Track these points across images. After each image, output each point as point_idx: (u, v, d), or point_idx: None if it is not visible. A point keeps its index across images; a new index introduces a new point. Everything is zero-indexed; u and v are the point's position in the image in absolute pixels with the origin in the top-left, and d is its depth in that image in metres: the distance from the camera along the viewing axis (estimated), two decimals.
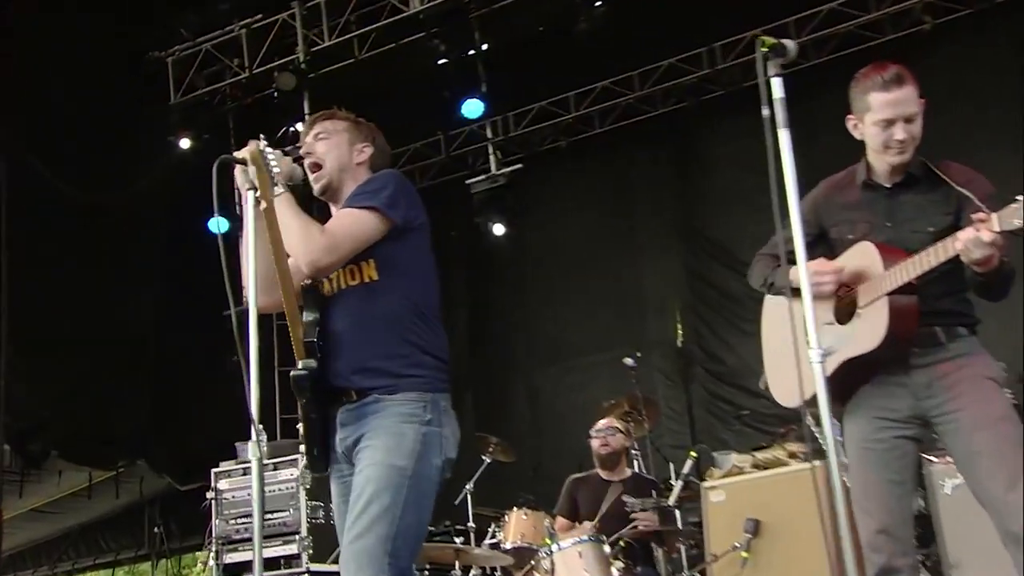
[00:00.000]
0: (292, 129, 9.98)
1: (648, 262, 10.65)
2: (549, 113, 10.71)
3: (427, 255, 3.36)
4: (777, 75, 3.03)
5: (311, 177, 3.44)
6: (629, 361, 7.98)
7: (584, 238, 10.82)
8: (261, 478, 3.24)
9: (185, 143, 9.69)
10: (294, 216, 3.19)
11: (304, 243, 3.16)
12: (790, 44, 3.12)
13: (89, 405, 8.98)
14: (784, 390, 3.71)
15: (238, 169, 3.26)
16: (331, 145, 3.47)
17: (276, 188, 3.21)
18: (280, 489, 7.06)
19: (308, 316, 3.26)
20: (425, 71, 9.44)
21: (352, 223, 3.24)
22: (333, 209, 3.48)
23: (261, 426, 7.19)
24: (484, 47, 9.39)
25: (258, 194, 3.20)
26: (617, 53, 9.99)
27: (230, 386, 9.59)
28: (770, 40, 3.10)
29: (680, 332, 9.74)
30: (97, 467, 9.91)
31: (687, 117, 10.32)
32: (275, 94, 9.64)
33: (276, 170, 3.24)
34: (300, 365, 3.20)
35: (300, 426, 3.34)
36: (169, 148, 9.69)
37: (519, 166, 10.17)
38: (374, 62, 9.56)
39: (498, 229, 10.22)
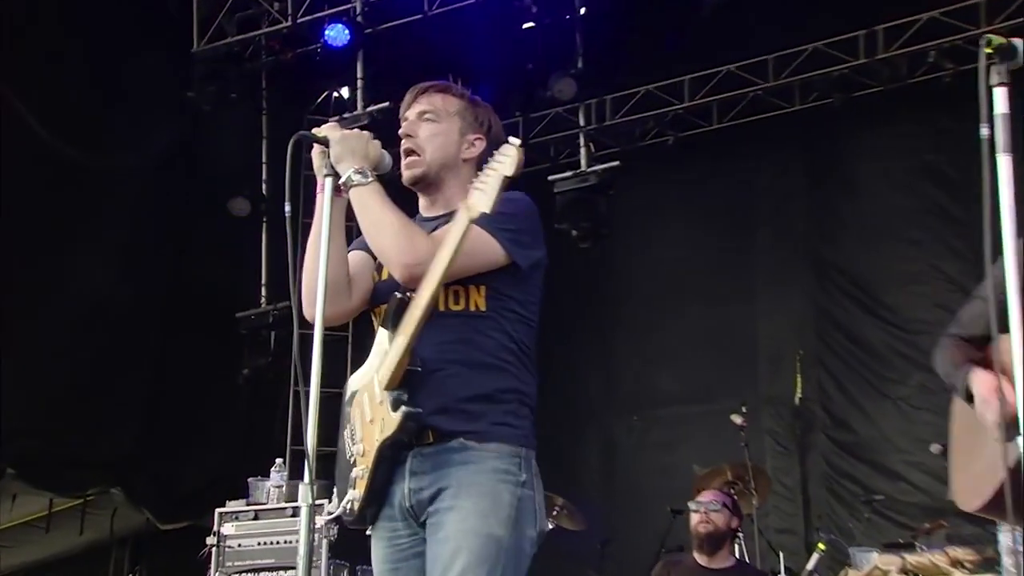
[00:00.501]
0: (336, 95, 9.82)
1: (765, 296, 10.40)
2: (656, 100, 10.43)
3: (539, 296, 3.46)
4: (1002, 84, 2.98)
5: (404, 162, 3.48)
6: (737, 419, 7.89)
7: (687, 259, 10.58)
8: (311, 528, 3.22)
9: (206, 102, 9.58)
10: (390, 210, 3.25)
11: (405, 243, 3.21)
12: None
13: (61, 415, 8.72)
14: (969, 492, 3.69)
15: (316, 150, 3.37)
16: (438, 131, 3.49)
17: (359, 175, 3.31)
18: (296, 540, 6.82)
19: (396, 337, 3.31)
20: (507, 37, 9.29)
21: (470, 240, 3.22)
22: (423, 201, 3.53)
23: (280, 460, 7.03)
24: (583, 11, 9.27)
25: (361, 176, 3.31)
26: (748, 30, 9.73)
27: (238, 406, 9.86)
28: (997, 39, 3.01)
29: (799, 387, 9.56)
30: (61, 493, 9.64)
31: (830, 117, 10.01)
32: (318, 50, 9.50)
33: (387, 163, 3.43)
34: (394, 398, 3.23)
35: (357, 468, 3.35)
36: (185, 107, 9.58)
37: (615, 163, 9.89)
38: (445, 20, 9.43)
39: (582, 240, 9.95)
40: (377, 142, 3.39)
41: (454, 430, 3.20)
